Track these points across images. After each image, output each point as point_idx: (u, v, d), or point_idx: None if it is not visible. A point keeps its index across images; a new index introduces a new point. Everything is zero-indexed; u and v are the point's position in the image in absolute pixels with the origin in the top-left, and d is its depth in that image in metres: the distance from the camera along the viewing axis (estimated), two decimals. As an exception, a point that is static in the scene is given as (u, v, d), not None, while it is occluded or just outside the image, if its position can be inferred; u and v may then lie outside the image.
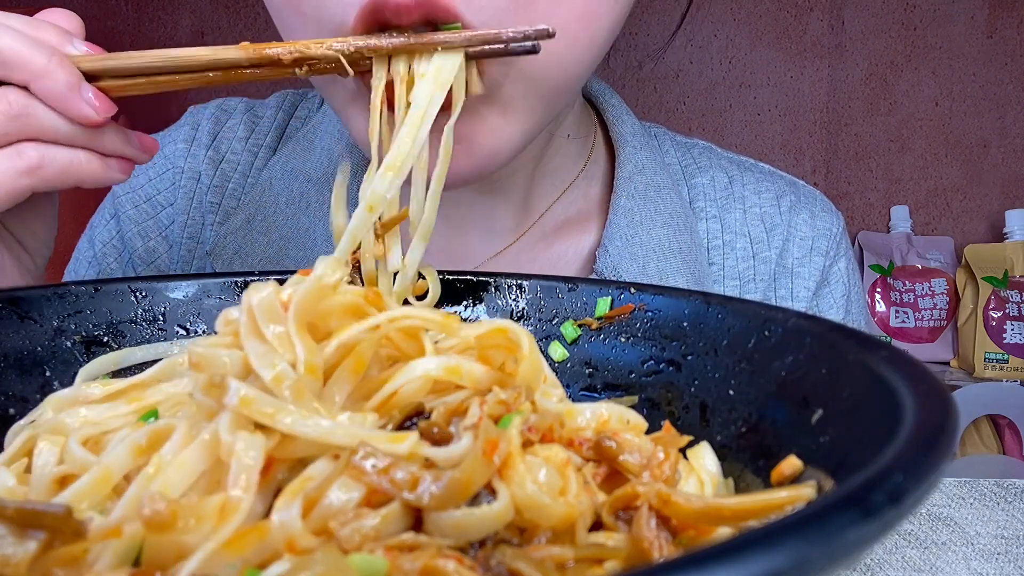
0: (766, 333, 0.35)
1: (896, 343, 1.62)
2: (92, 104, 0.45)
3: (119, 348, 0.43)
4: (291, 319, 0.31)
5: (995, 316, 1.55)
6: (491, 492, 0.27)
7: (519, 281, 0.45)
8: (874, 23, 1.62)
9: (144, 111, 1.57)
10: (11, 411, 0.40)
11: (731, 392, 0.36)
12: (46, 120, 0.45)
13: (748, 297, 0.70)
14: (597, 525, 0.30)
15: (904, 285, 1.64)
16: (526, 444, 0.30)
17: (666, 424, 0.37)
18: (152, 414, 0.35)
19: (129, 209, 0.73)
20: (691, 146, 0.76)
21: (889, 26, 1.62)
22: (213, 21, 1.58)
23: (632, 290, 0.42)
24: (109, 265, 0.74)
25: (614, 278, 0.65)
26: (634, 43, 1.59)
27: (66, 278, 0.76)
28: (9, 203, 0.46)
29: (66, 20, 0.48)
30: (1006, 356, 1.53)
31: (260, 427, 0.29)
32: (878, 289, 1.66)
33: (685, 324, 0.39)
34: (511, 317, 0.45)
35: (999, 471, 1.44)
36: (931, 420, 0.23)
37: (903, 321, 1.64)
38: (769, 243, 0.72)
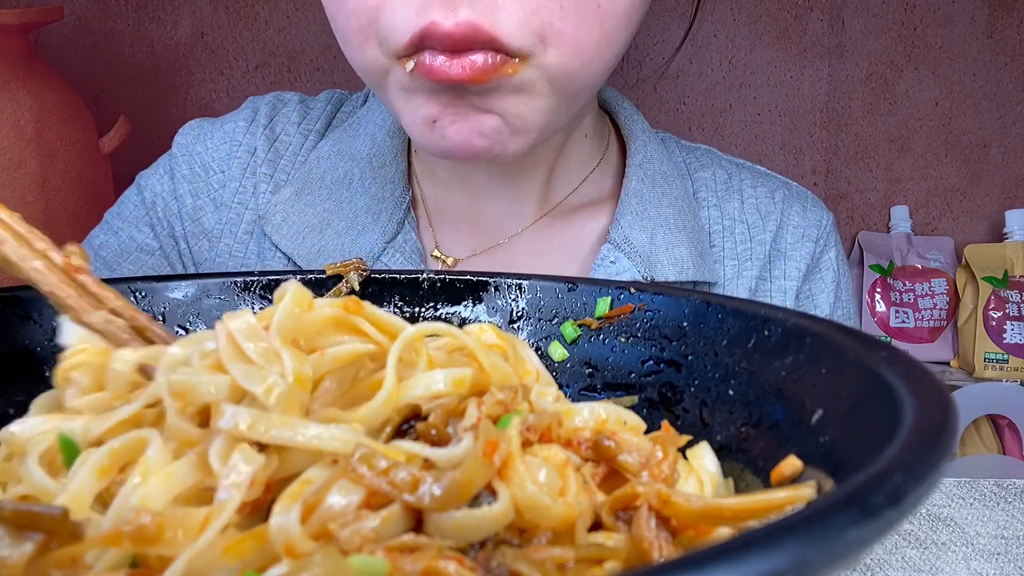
0: (766, 333, 0.35)
1: (896, 343, 1.62)
2: None
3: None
4: (274, 335, 0.31)
5: (995, 316, 1.54)
6: (491, 493, 0.27)
7: (518, 281, 0.45)
8: (874, 23, 1.61)
9: (144, 116, 1.57)
10: (11, 411, 0.40)
11: (731, 392, 0.36)
12: None
13: (745, 275, 0.77)
14: (597, 525, 0.30)
15: (904, 285, 1.63)
16: (525, 444, 0.30)
17: (665, 424, 0.37)
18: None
19: (184, 169, 0.79)
20: (694, 148, 0.85)
21: (889, 26, 1.61)
22: (213, 21, 1.58)
23: (632, 290, 0.42)
24: (157, 212, 0.79)
25: (625, 246, 0.71)
26: (633, 43, 1.58)
27: (110, 218, 0.81)
28: None
29: None
30: (1006, 356, 1.53)
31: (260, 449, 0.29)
32: (878, 289, 1.65)
33: (685, 324, 0.39)
34: (510, 317, 0.45)
35: (999, 471, 1.43)
36: (931, 420, 0.23)
37: (903, 321, 1.64)
38: (764, 226, 0.79)
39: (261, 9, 1.58)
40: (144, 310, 0.45)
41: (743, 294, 0.78)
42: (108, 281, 0.45)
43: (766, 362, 0.35)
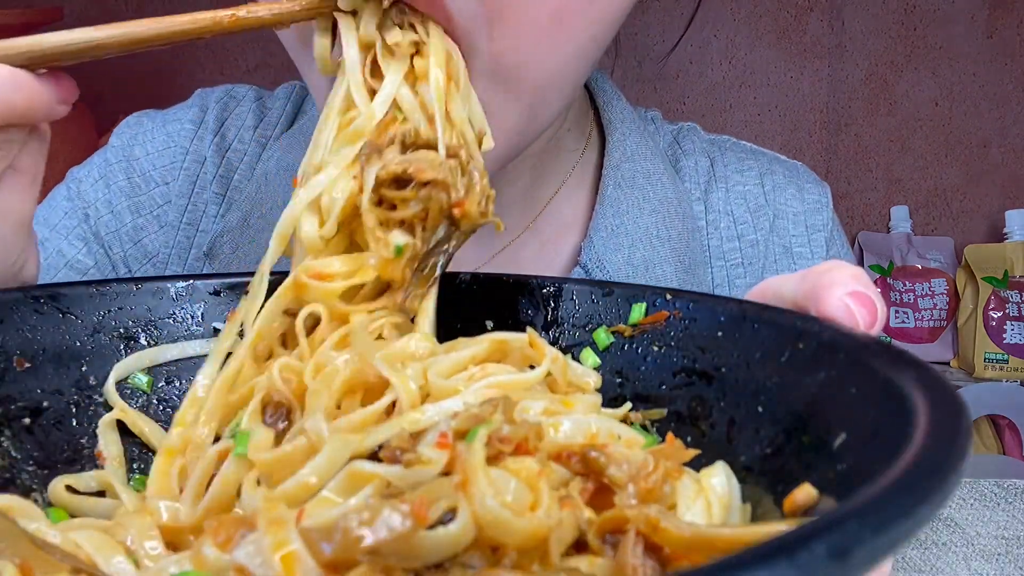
0: (800, 346, 0.33)
1: (896, 343, 1.61)
2: (63, 101, 0.42)
3: (155, 345, 0.44)
4: None
5: (995, 316, 1.54)
6: (452, 511, 0.26)
7: (553, 284, 0.44)
8: (874, 23, 1.61)
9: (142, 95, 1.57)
10: (45, 404, 0.40)
11: (760, 409, 0.35)
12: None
13: (738, 283, 0.69)
14: (584, 546, 0.29)
15: (904, 285, 1.63)
16: (496, 457, 0.29)
17: (669, 436, 0.36)
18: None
19: (121, 180, 0.68)
20: (677, 131, 0.76)
21: (889, 26, 1.61)
22: (213, 21, 1.58)
23: (668, 296, 0.40)
24: (91, 224, 0.68)
25: (599, 270, 0.64)
26: (634, 43, 1.59)
27: (35, 224, 0.71)
28: None
29: None
30: (1006, 356, 1.53)
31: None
32: (877, 289, 1.65)
33: (720, 334, 0.37)
34: (544, 321, 0.44)
35: (999, 471, 1.43)
36: (932, 463, 0.22)
37: (903, 321, 1.64)
38: (755, 225, 0.70)
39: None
40: (182, 308, 0.45)
41: None
42: (147, 279, 0.45)
43: (798, 378, 0.33)
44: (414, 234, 0.40)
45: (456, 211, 0.39)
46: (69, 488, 0.38)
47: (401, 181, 0.39)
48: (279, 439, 0.34)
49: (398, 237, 0.39)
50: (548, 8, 0.46)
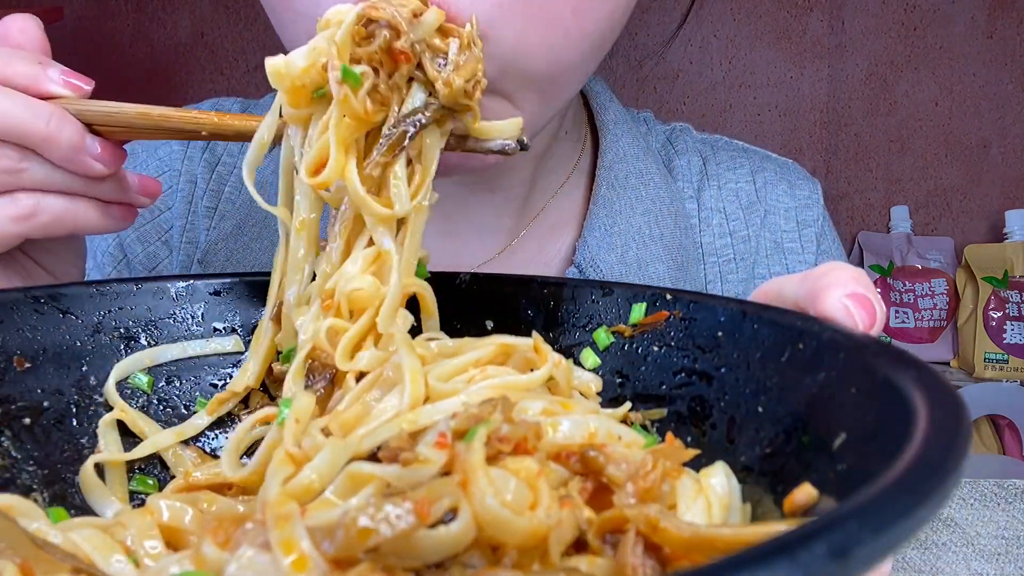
0: (800, 346, 0.34)
1: (896, 343, 1.61)
2: (99, 158, 0.44)
3: (155, 345, 0.44)
4: None
5: (995, 316, 1.54)
6: (453, 511, 0.26)
7: (553, 284, 0.44)
8: (874, 23, 1.61)
9: (142, 95, 1.57)
10: (45, 404, 0.40)
11: (760, 409, 0.35)
12: (41, 173, 0.44)
13: (730, 278, 0.70)
14: (583, 546, 0.29)
15: (904, 285, 1.63)
16: (496, 456, 0.29)
17: (669, 436, 0.36)
18: None
19: None
20: (670, 131, 0.77)
21: (889, 26, 1.61)
22: (213, 21, 1.58)
23: (668, 296, 0.40)
24: (109, 274, 0.72)
25: (592, 269, 0.65)
26: (634, 43, 1.59)
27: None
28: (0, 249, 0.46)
29: (27, 28, 0.46)
30: (1006, 356, 1.53)
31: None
32: (878, 289, 1.65)
33: (720, 334, 0.38)
34: (544, 321, 0.44)
35: (999, 471, 1.43)
36: (926, 464, 0.22)
37: (903, 321, 1.64)
38: (746, 221, 0.72)
39: (261, 9, 1.57)
40: (182, 308, 0.46)
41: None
42: (147, 279, 0.45)
43: (798, 377, 0.33)
44: (377, 75, 0.38)
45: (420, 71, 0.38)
46: (97, 467, 0.39)
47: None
48: (322, 404, 0.35)
49: (354, 67, 0.38)
50: (570, 4, 0.47)
